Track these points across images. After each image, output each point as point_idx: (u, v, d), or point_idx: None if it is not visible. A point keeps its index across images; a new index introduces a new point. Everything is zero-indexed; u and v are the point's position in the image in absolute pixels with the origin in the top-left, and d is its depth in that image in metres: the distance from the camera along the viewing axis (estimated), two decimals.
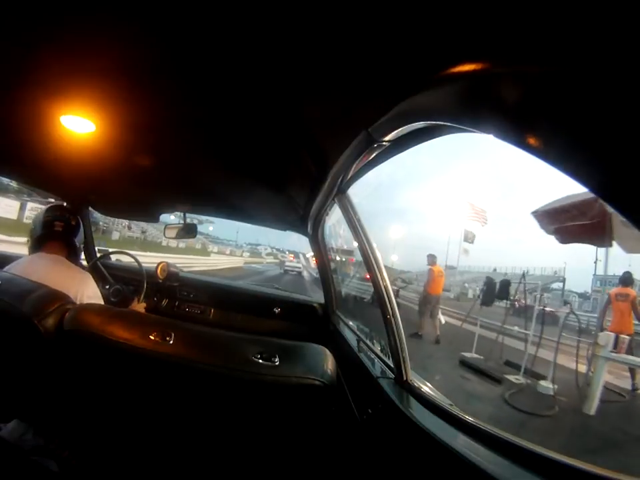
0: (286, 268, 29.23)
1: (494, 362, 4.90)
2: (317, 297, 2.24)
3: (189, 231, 2.15)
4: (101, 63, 0.74)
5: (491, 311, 6.42)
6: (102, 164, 1.43)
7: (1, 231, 7.76)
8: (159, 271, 1.99)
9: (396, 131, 0.68)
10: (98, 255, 2.27)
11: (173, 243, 20.30)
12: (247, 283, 3.00)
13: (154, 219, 2.27)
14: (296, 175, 1.27)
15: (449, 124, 0.53)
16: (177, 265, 2.25)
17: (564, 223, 3.07)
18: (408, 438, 0.73)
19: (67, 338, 0.82)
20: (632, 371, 3.90)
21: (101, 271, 2.03)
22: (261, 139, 1.05)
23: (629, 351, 3.53)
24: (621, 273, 4.35)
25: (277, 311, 2.04)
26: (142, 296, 1.84)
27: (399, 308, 0.98)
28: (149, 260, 2.08)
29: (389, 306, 0.97)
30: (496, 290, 5.95)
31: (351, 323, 1.69)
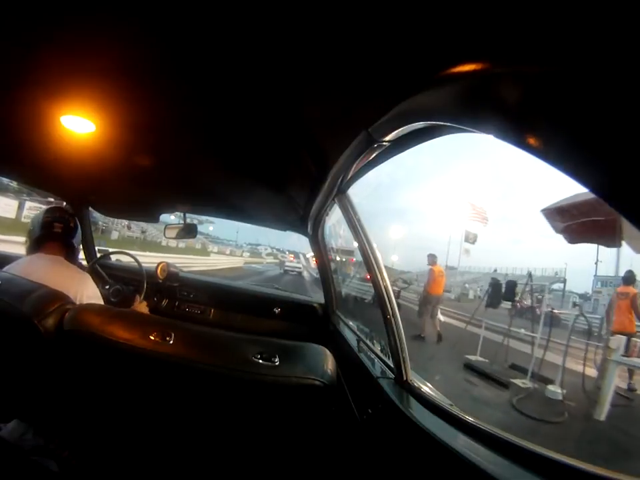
0: (286, 268, 29.16)
1: (499, 365, 4.80)
2: (317, 296, 2.24)
3: (189, 231, 2.15)
4: (101, 63, 0.74)
5: (492, 312, 6.34)
6: (102, 164, 1.43)
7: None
8: (158, 271, 1.99)
9: (396, 131, 0.68)
10: (98, 255, 2.27)
11: (173, 243, 20.30)
12: (247, 283, 3.00)
13: (154, 219, 2.28)
14: (296, 175, 1.27)
15: (449, 124, 0.53)
16: (175, 265, 2.25)
17: (575, 220, 3.00)
18: (408, 438, 0.73)
19: (67, 338, 0.82)
20: (630, 371, 3.87)
21: (101, 271, 2.03)
22: (261, 139, 1.05)
23: None
24: (623, 274, 4.35)
25: (276, 311, 2.04)
26: (142, 296, 1.85)
27: (399, 309, 0.98)
28: (146, 260, 2.07)
29: (388, 306, 0.97)
30: (502, 291, 5.85)
31: (351, 323, 1.69)
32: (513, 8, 0.34)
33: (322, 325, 1.97)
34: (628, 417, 3.39)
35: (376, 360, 1.13)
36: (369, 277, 1.06)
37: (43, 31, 0.66)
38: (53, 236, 1.28)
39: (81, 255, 2.25)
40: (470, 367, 4.61)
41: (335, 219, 1.66)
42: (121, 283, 1.98)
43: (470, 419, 0.68)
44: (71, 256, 1.31)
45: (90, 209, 2.24)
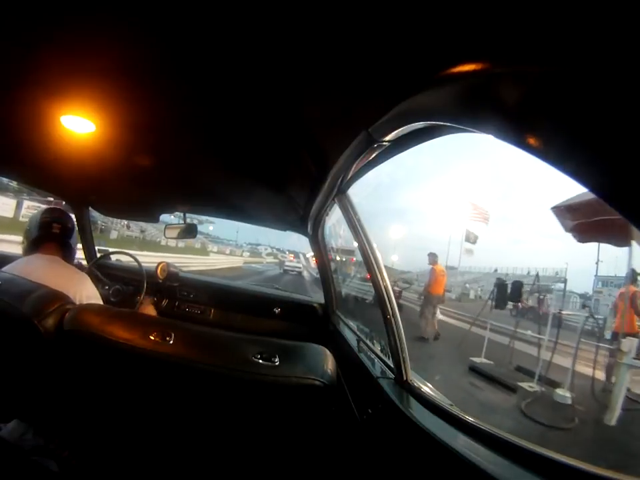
0: (285, 268, 29.08)
1: (504, 368, 4.71)
2: (317, 296, 2.24)
3: (189, 231, 2.15)
4: (101, 63, 0.74)
5: (494, 312, 6.23)
6: (102, 164, 1.43)
7: None
8: (158, 271, 1.99)
9: (396, 131, 0.68)
10: (98, 255, 2.27)
11: (172, 243, 20.27)
12: (247, 283, 3.00)
13: (154, 219, 2.28)
14: (296, 175, 1.27)
15: (449, 124, 0.53)
16: (175, 265, 2.25)
17: (585, 218, 2.92)
18: (408, 438, 0.73)
19: (67, 338, 0.82)
20: None
21: (101, 271, 2.03)
22: (261, 139, 1.05)
23: None
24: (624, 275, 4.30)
25: (276, 311, 2.04)
26: (142, 296, 1.85)
27: (401, 310, 0.97)
28: (144, 259, 2.07)
29: (388, 306, 0.97)
30: (507, 292, 5.70)
31: (351, 323, 1.69)
32: (513, 8, 0.34)
33: (322, 324, 1.97)
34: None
35: (376, 360, 1.13)
36: (369, 276, 1.06)
37: (42, 30, 0.66)
38: (51, 236, 1.28)
39: (81, 255, 2.25)
40: (475, 370, 4.51)
41: (334, 219, 1.67)
42: (120, 282, 1.98)
43: (470, 419, 0.68)
44: (68, 256, 1.31)
45: (89, 208, 2.25)
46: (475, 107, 0.44)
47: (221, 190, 1.66)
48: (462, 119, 0.49)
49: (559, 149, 0.33)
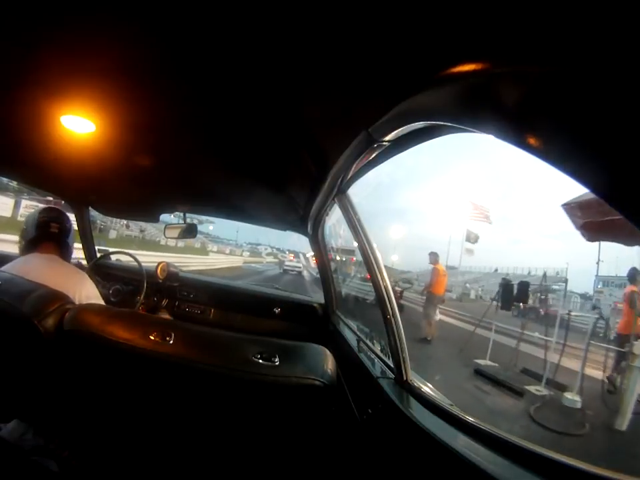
0: (285, 267, 29.02)
1: (510, 370, 4.63)
2: (317, 296, 2.24)
3: (189, 230, 2.15)
4: (101, 62, 0.74)
5: (495, 313, 6.15)
6: (102, 164, 1.43)
7: None
8: (158, 271, 1.99)
9: (396, 131, 0.68)
10: (98, 254, 2.27)
11: (172, 242, 20.25)
12: (247, 283, 3.00)
13: (154, 219, 2.28)
14: (296, 175, 1.27)
15: (449, 124, 0.53)
16: (175, 265, 2.25)
17: (596, 217, 2.87)
18: (408, 438, 0.73)
19: (67, 338, 0.82)
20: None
21: (101, 271, 2.04)
22: (261, 139, 1.05)
23: None
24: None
25: (276, 311, 2.04)
26: (142, 296, 1.85)
27: (403, 310, 0.97)
28: (143, 259, 2.08)
29: (388, 306, 0.97)
30: (514, 292, 5.54)
31: (351, 323, 1.69)
32: (513, 8, 0.34)
33: (322, 324, 1.97)
34: None
35: (376, 360, 1.13)
36: (369, 276, 1.06)
37: (42, 30, 0.66)
38: (49, 236, 1.28)
39: (81, 255, 2.25)
40: (480, 373, 4.42)
41: (334, 219, 1.67)
42: (120, 282, 1.98)
43: (470, 419, 0.68)
44: (65, 255, 1.32)
45: (89, 208, 2.25)
46: (475, 107, 0.44)
47: (221, 190, 1.66)
48: (462, 118, 0.49)
49: (559, 148, 0.33)
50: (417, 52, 0.49)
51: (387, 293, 0.98)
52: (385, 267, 1.06)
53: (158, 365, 0.78)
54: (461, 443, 0.62)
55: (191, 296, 2.13)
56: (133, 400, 0.84)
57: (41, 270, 1.12)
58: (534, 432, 2.93)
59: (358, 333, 1.47)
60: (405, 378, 0.90)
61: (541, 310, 5.60)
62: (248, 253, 58.67)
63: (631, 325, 3.72)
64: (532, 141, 0.35)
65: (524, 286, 5.53)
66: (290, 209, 1.69)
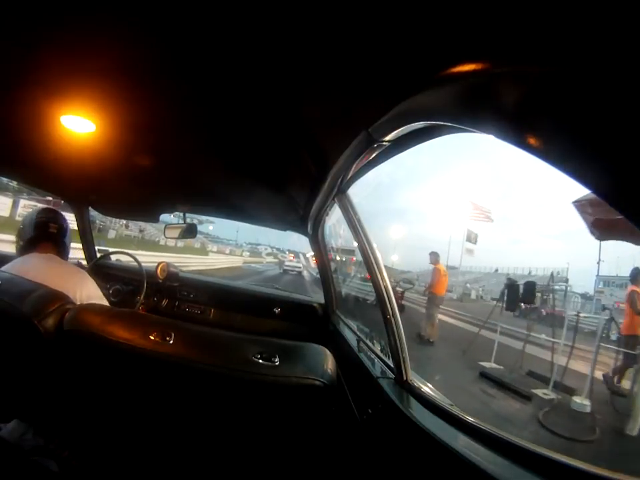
0: (285, 267, 28.93)
1: (515, 373, 4.53)
2: (317, 296, 2.24)
3: (189, 231, 2.15)
4: (101, 62, 0.74)
5: (496, 313, 6.04)
6: (102, 164, 1.43)
7: None
8: (158, 271, 1.99)
9: (396, 131, 0.68)
10: (97, 254, 2.27)
11: (171, 242, 20.22)
12: (247, 283, 3.00)
13: (154, 219, 2.28)
14: (296, 175, 1.27)
15: (449, 124, 0.53)
16: (175, 265, 2.25)
17: (608, 214, 2.80)
18: (408, 438, 0.73)
19: (67, 338, 0.82)
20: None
21: (101, 271, 2.04)
22: (261, 139, 1.05)
23: None
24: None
25: (276, 311, 2.04)
26: (142, 296, 1.85)
27: (403, 311, 0.97)
28: (143, 259, 2.08)
29: (388, 306, 0.96)
30: (519, 293, 5.40)
31: (351, 323, 1.69)
32: (513, 8, 0.34)
33: (322, 324, 1.97)
34: None
35: (376, 360, 1.13)
36: (369, 276, 1.06)
37: (42, 30, 0.66)
38: (47, 236, 1.28)
39: (81, 255, 2.25)
40: (485, 376, 4.32)
41: (334, 219, 1.67)
42: (120, 282, 1.98)
43: (470, 419, 0.68)
44: (62, 255, 1.32)
45: (89, 208, 2.25)
46: (475, 107, 0.44)
47: (221, 190, 1.66)
48: (462, 118, 0.49)
49: (560, 148, 0.33)
50: (417, 52, 0.49)
51: (387, 292, 0.98)
52: (385, 266, 1.06)
53: (158, 364, 0.78)
54: (461, 443, 0.62)
55: (191, 296, 2.13)
56: (133, 400, 0.84)
57: (41, 270, 1.12)
58: (543, 437, 2.86)
59: (358, 333, 1.47)
60: (405, 378, 0.90)
61: (543, 310, 5.51)
62: (248, 253, 58.66)
63: (634, 326, 3.68)
64: (532, 141, 0.35)
65: (530, 286, 5.37)
66: (290, 209, 1.69)
